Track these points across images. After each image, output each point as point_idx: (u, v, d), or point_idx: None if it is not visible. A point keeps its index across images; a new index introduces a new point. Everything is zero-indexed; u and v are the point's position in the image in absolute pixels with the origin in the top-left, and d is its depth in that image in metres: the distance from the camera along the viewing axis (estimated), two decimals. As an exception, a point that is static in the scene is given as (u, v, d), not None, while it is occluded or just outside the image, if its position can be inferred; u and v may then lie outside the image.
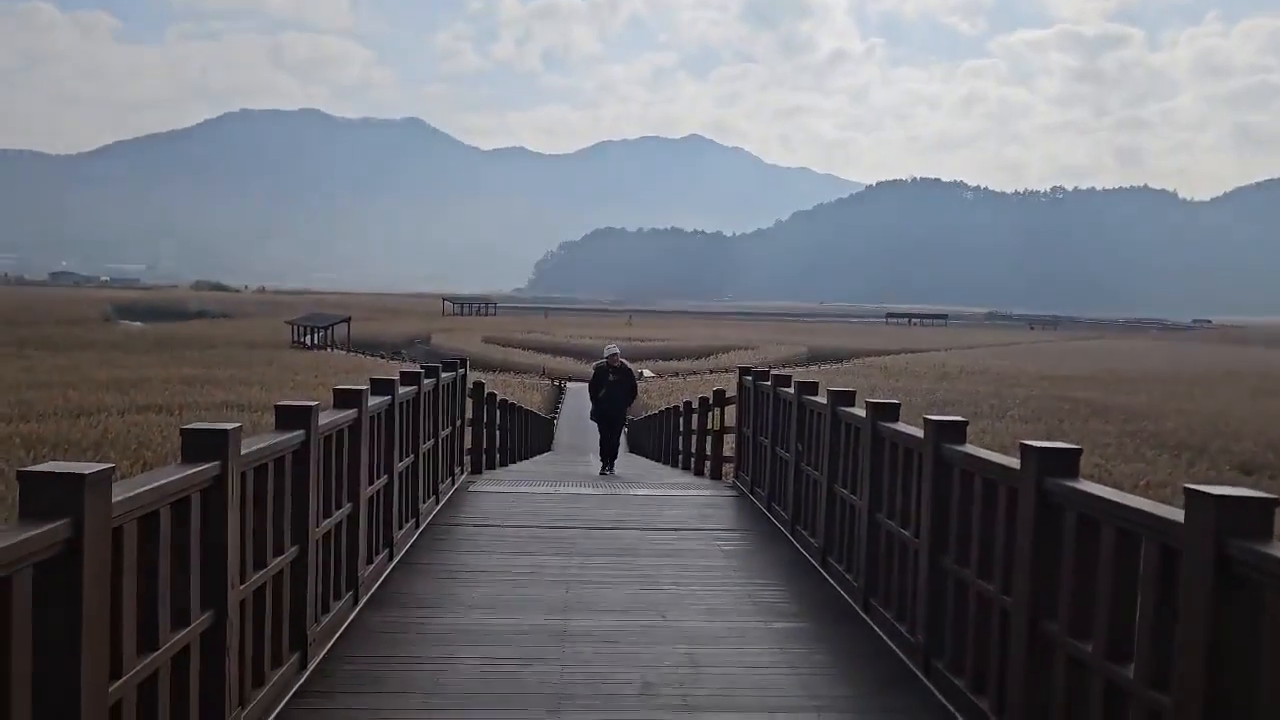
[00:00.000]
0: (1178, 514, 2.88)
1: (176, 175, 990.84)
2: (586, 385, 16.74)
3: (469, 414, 11.80)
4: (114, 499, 2.66)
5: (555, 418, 32.01)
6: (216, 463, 3.47)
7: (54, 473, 2.50)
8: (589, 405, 15.32)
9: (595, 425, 15.42)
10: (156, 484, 3.01)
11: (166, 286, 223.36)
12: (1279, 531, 2.72)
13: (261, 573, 4.03)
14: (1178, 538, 2.84)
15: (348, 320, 68.81)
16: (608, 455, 14.83)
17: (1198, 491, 2.75)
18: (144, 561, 2.96)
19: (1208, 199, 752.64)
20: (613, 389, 14.51)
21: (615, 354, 14.67)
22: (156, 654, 3.02)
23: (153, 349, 54.58)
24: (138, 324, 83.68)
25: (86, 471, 2.51)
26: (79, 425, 23.23)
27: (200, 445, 3.48)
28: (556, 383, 44.29)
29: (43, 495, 2.47)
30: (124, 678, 2.80)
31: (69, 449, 19.29)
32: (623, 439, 18.62)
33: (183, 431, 3.52)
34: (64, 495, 2.46)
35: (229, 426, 3.55)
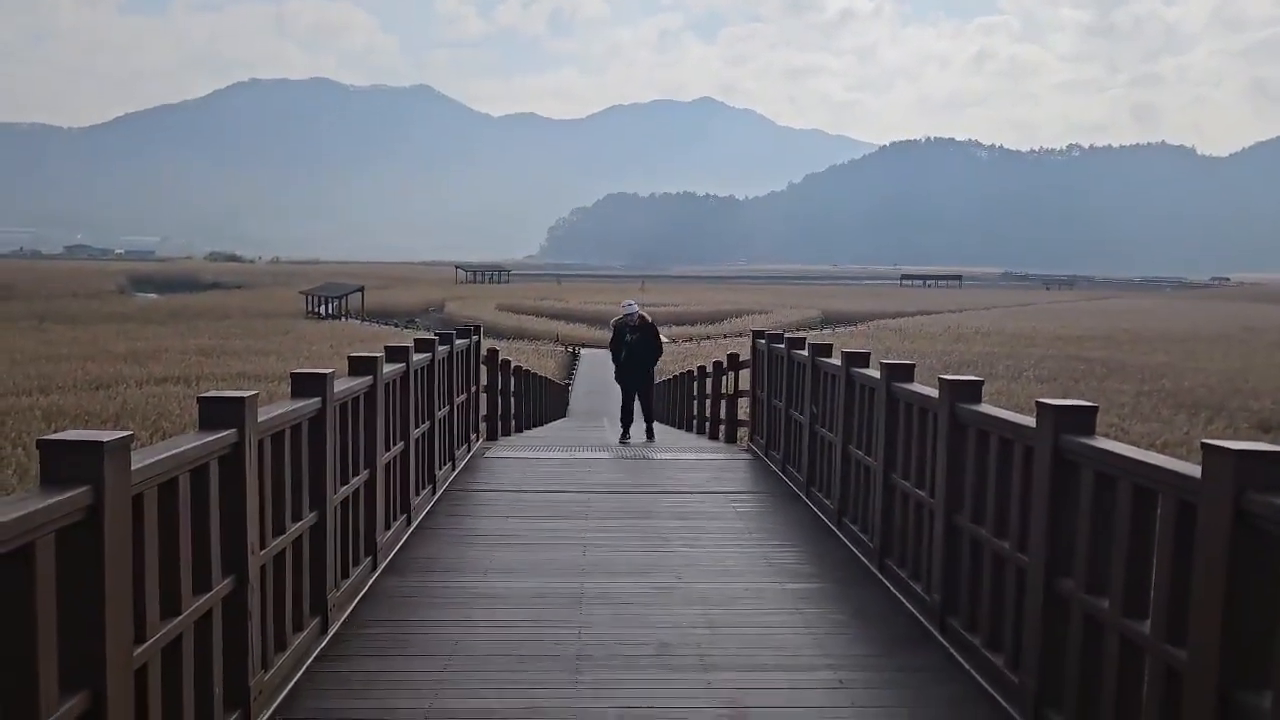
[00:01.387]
0: (1195, 469, 2.87)
1: (188, 146, 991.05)
2: (606, 350, 15.45)
3: (484, 381, 11.83)
4: (133, 467, 2.69)
5: (570, 384, 32.07)
6: (234, 430, 3.49)
7: (74, 440, 2.53)
8: (604, 371, 14.58)
9: (617, 389, 14.14)
10: (175, 451, 3.04)
11: (180, 258, 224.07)
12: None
13: (281, 539, 4.07)
14: (1195, 492, 2.83)
15: (361, 290, 68.98)
16: (629, 419, 13.35)
17: (1215, 446, 2.73)
18: (164, 528, 2.99)
19: (1225, 155, 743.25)
20: (633, 348, 13.32)
21: (633, 309, 13.40)
22: (179, 619, 3.06)
23: (168, 320, 54.88)
24: (153, 296, 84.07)
25: (105, 439, 2.53)
26: (98, 397, 23.46)
27: (218, 413, 3.50)
28: (570, 349, 44.35)
29: (63, 463, 2.49)
30: (148, 642, 2.84)
31: (88, 420, 19.47)
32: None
33: (200, 400, 3.55)
34: (84, 463, 2.49)
35: (245, 394, 3.57)
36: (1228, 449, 2.68)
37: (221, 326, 49.55)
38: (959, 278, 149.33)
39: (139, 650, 2.77)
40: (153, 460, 2.86)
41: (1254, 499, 2.59)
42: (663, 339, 14.48)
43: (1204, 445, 2.79)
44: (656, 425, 13.76)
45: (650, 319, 13.50)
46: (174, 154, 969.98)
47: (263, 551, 3.83)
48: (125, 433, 2.63)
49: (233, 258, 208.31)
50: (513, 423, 14.84)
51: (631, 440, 12.89)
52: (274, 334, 45.37)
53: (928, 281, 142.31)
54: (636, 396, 13.37)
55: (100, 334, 44.79)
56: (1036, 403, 3.86)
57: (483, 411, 11.79)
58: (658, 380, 29.20)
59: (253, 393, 3.63)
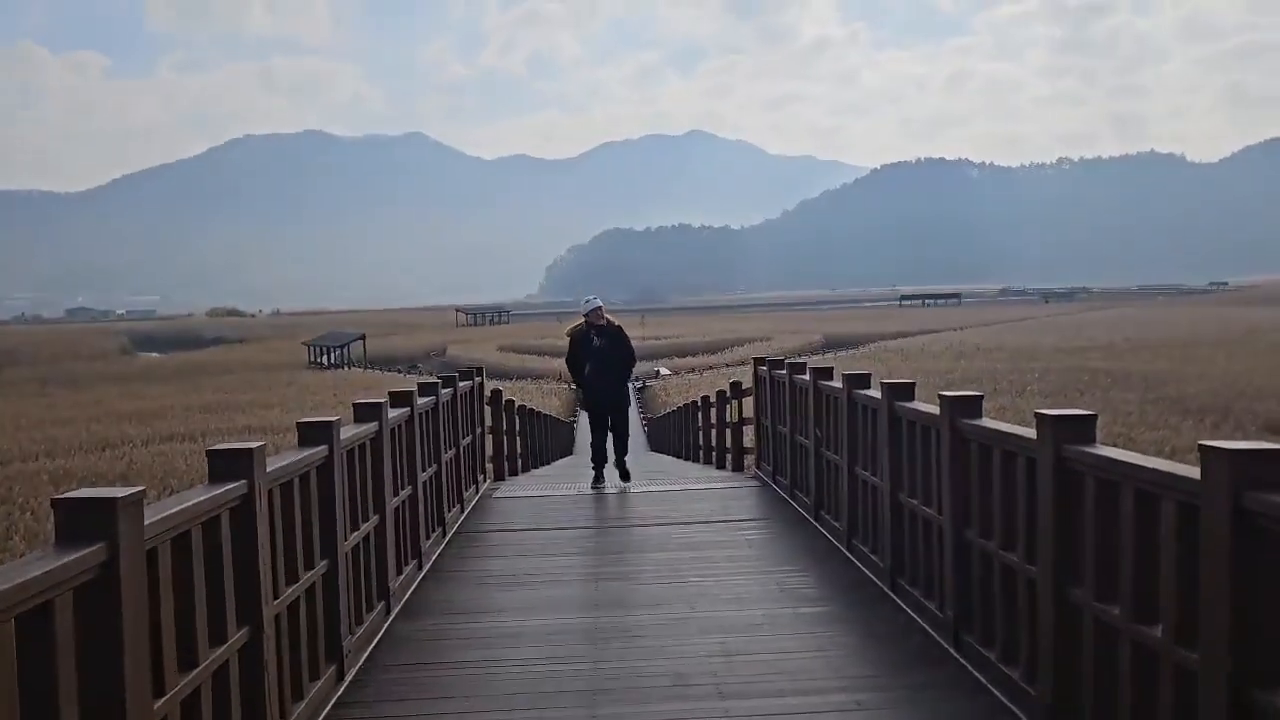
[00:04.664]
0: (1194, 471, 2.90)
1: (186, 204, 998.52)
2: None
3: (489, 422, 11.86)
4: (146, 521, 2.72)
5: (574, 421, 32.10)
6: (243, 481, 3.53)
7: (87, 498, 2.56)
8: None
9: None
10: (186, 505, 3.07)
11: (182, 316, 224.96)
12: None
13: (294, 587, 4.09)
14: (1195, 494, 2.86)
15: (363, 338, 69.22)
16: (602, 454, 10.71)
17: (1212, 447, 2.77)
18: (179, 581, 3.02)
19: (1215, 160, 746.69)
20: (600, 358, 10.35)
21: (598, 308, 10.46)
22: (196, 671, 3.08)
23: (172, 378, 55.07)
24: (156, 355, 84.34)
25: (119, 495, 2.56)
26: (105, 458, 23.51)
27: (227, 465, 3.54)
28: (574, 386, 44.42)
29: (77, 521, 2.52)
30: (167, 696, 2.86)
31: (96, 482, 19.52)
32: (635, 431, 14.07)
33: (209, 453, 3.59)
34: (98, 520, 2.52)
35: (253, 445, 3.62)
36: (1224, 449, 2.72)
37: (225, 382, 49.72)
38: (958, 296, 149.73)
39: (158, 704, 2.79)
40: (165, 514, 2.90)
41: (1253, 497, 2.62)
42: (664, 370, 13.40)
43: (1201, 447, 2.82)
44: (660, 458, 13.08)
45: (618, 324, 10.69)
46: (172, 212, 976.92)
47: (276, 601, 3.85)
48: (137, 488, 2.67)
49: (234, 312, 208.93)
50: (519, 462, 14.85)
51: (607, 486, 10.42)
52: (277, 386, 45.51)
53: (926, 301, 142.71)
54: (610, 418, 10.70)
55: (104, 395, 44.93)
56: (1036, 414, 3.90)
57: (489, 453, 11.80)
58: (658, 414, 28.43)
59: (260, 444, 3.67)
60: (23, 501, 17.62)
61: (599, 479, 10.63)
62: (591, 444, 10.84)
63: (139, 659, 2.64)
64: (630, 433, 11.15)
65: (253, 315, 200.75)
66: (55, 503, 2.56)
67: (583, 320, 10.47)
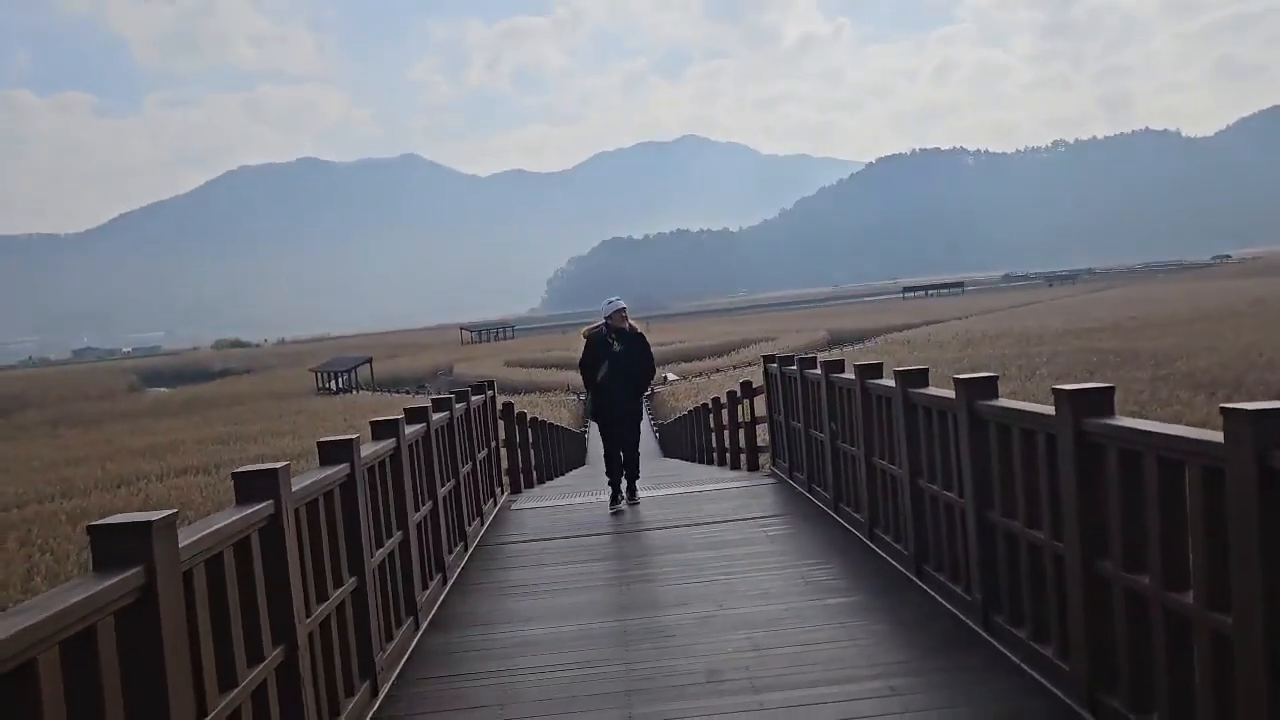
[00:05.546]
0: (1217, 435, 2.91)
1: (186, 238, 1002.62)
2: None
3: (502, 436, 11.88)
4: (180, 544, 2.75)
5: (586, 431, 32.13)
6: (270, 502, 3.55)
7: (123, 524, 2.59)
8: None
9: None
10: (218, 527, 3.10)
11: (187, 350, 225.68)
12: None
13: (325, 605, 4.12)
14: (1220, 458, 2.87)
15: (369, 361, 69.33)
16: (617, 472, 9.87)
17: (1234, 409, 2.78)
18: (214, 602, 3.05)
19: (1211, 134, 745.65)
20: (617, 364, 9.54)
21: (621, 309, 9.61)
22: (236, 691, 3.10)
23: (182, 412, 55.20)
24: (164, 390, 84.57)
25: (153, 519, 2.59)
26: (120, 495, 23.58)
27: (253, 486, 3.57)
28: (584, 397, 44.48)
29: (114, 546, 2.55)
30: (210, 715, 2.88)
31: (114, 519, 19.56)
32: (647, 445, 13.12)
33: (235, 475, 3.62)
34: (135, 544, 2.54)
35: (278, 466, 3.64)
36: (1247, 410, 2.72)
37: (235, 413, 49.83)
38: (961, 284, 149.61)
39: (202, 725, 2.81)
40: (198, 536, 2.92)
41: (1277, 455, 2.63)
42: (671, 376, 11.81)
43: (1223, 409, 2.83)
44: (673, 463, 12.44)
45: (639, 330, 9.87)
46: (173, 247, 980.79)
47: (309, 619, 3.87)
48: (171, 511, 2.69)
49: (238, 343, 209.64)
50: (534, 475, 14.87)
51: (624, 505, 9.66)
52: (287, 414, 45.60)
53: (929, 292, 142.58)
54: (621, 428, 9.83)
55: (115, 433, 45.07)
56: (1054, 390, 3.91)
57: (504, 466, 11.82)
58: (667, 419, 27.99)
59: (284, 464, 3.70)
60: (42, 543, 17.69)
61: (616, 498, 9.75)
62: (605, 454, 9.99)
63: (180, 680, 2.66)
64: (641, 452, 10.14)
65: (258, 345, 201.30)
66: (92, 529, 2.58)
67: (602, 322, 9.63)
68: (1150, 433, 3.32)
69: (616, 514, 9.28)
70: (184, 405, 60.61)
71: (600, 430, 10.07)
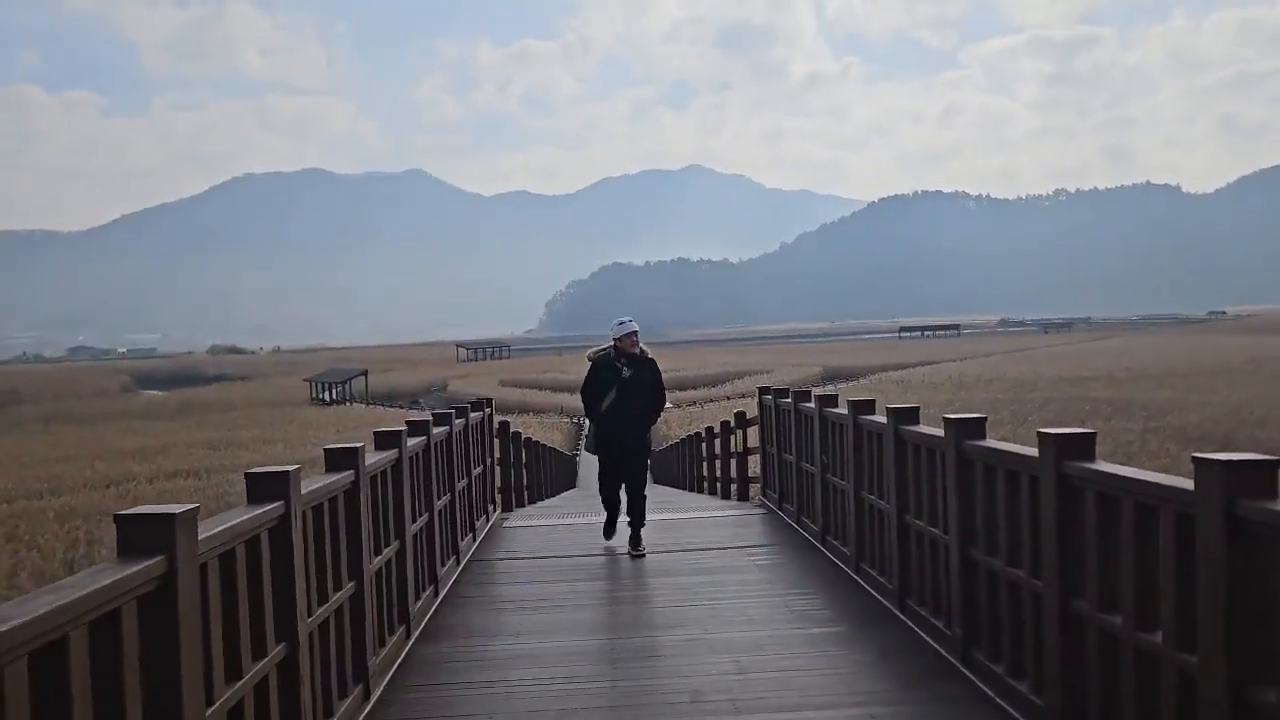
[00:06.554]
0: (1190, 483, 3.06)
1: (188, 242, 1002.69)
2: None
3: (497, 454, 12.00)
4: (199, 537, 2.88)
5: (578, 455, 32.21)
6: (280, 502, 3.69)
7: (148, 514, 2.72)
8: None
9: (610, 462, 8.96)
10: (232, 523, 3.23)
11: (182, 353, 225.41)
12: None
13: (325, 607, 4.24)
14: (1191, 504, 3.02)
15: (364, 373, 69.34)
16: (615, 502, 8.90)
17: (1206, 459, 2.93)
18: (226, 597, 3.18)
19: (1211, 191, 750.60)
20: (625, 391, 8.58)
21: (633, 332, 8.61)
22: (241, 683, 3.23)
23: (175, 415, 55.15)
24: (158, 392, 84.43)
25: (176, 511, 2.73)
26: (109, 495, 23.60)
27: (265, 487, 3.71)
28: (576, 420, 44.56)
29: (139, 535, 2.68)
30: (216, 704, 3.00)
31: (101, 519, 19.60)
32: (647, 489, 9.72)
33: (247, 475, 3.75)
34: (158, 534, 2.68)
35: (290, 468, 3.78)
36: (1218, 460, 2.88)
37: (228, 419, 49.80)
38: (957, 327, 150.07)
39: (209, 712, 2.93)
40: (215, 531, 3.06)
41: (1245, 505, 2.78)
42: (666, 405, 10.16)
43: (1195, 459, 2.99)
44: (665, 490, 11.69)
45: (649, 354, 8.80)
46: (174, 250, 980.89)
47: (310, 619, 4.00)
48: (193, 505, 2.83)
49: (235, 349, 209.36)
50: (525, 494, 14.96)
51: (615, 545, 8.70)
52: (280, 423, 45.60)
53: (926, 333, 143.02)
54: (625, 468, 8.76)
55: (107, 433, 45.03)
56: (1038, 432, 4.06)
57: (497, 484, 11.93)
58: (659, 446, 27.48)
59: (296, 467, 3.84)
60: (29, 539, 17.71)
61: (612, 528, 8.85)
62: (602, 495, 8.94)
63: (193, 668, 2.79)
64: (647, 495, 8.91)
65: (254, 352, 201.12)
66: (119, 518, 2.71)
67: (610, 345, 8.71)
68: (1127, 478, 3.47)
69: (610, 550, 8.58)
70: (177, 408, 60.57)
71: (600, 466, 8.96)
